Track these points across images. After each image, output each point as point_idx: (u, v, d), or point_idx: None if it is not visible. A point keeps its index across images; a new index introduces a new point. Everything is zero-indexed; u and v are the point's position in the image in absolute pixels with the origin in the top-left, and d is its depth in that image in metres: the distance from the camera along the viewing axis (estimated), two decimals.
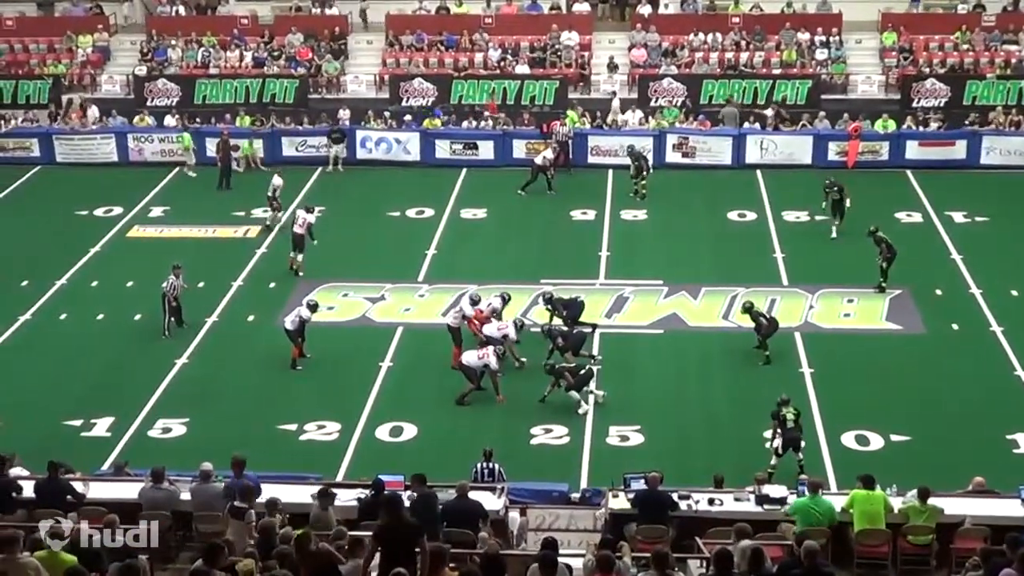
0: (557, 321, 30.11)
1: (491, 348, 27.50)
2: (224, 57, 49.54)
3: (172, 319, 30.84)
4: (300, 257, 34.24)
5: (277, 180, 38.09)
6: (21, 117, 46.27)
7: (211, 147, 43.10)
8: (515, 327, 28.89)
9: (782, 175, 41.73)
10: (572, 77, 47.56)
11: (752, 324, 29.37)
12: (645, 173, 39.69)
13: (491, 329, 28.58)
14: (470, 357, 27.47)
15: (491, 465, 22.30)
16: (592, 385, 27.31)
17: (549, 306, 30.41)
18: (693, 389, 28.12)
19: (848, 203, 36.01)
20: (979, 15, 48.86)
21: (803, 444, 23.90)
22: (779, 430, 23.86)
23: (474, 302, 29.42)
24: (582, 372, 27.06)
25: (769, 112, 44.02)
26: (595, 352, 29.28)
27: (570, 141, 42.71)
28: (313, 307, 29.27)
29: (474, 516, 19.16)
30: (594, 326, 30.32)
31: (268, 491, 20.19)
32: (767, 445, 24.20)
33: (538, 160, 40.56)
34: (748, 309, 29.54)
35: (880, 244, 32.53)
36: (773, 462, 23.74)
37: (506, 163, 42.97)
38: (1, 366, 29.71)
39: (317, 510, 18.83)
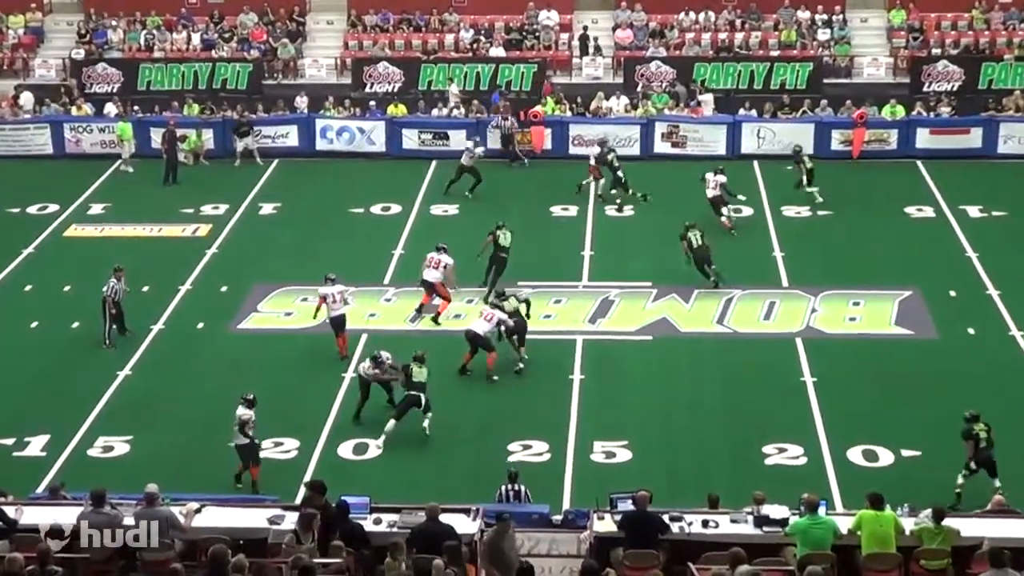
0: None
1: (495, 312, 28.73)
2: (170, 39, 49.43)
3: (114, 327, 30.71)
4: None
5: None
6: None
7: (156, 138, 42.97)
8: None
9: (781, 167, 41.76)
10: (554, 60, 47.71)
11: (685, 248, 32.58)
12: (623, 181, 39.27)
13: (483, 326, 28.89)
14: (481, 326, 28.39)
15: (517, 487, 22.57)
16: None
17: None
18: (685, 401, 28.12)
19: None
20: None
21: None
22: (972, 451, 23.70)
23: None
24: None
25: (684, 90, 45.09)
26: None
27: (516, 134, 42.66)
28: (250, 403, 24.78)
29: (445, 541, 19.08)
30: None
31: (221, 515, 20.19)
32: (967, 467, 23.81)
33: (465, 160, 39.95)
34: (683, 236, 32.59)
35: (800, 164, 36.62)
36: (960, 481, 23.68)
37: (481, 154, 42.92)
38: None
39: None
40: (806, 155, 39.40)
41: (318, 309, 30.07)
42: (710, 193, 37.33)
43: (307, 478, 24.78)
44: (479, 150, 40.18)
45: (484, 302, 30.79)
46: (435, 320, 31.68)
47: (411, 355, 26.80)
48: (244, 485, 24.57)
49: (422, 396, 26.27)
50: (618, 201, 39.00)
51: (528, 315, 29.69)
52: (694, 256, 32.80)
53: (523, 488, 22.70)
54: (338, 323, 29.87)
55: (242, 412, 24.36)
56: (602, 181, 39.29)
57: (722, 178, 37.20)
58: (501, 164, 41.19)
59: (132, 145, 43.17)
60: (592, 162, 39.62)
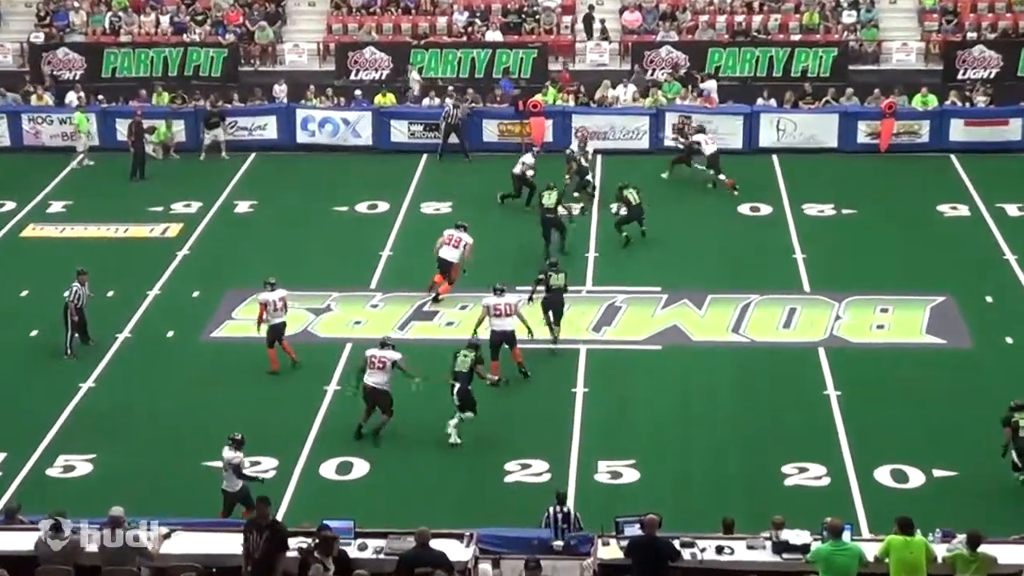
0: None
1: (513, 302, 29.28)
2: (137, 22, 49.46)
3: (76, 335, 30.65)
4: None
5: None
6: None
7: (122, 130, 43.02)
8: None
9: (803, 161, 41.82)
10: (556, 45, 47.73)
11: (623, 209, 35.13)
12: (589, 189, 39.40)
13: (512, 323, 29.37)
14: (511, 323, 29.04)
15: (565, 509, 22.33)
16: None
17: None
18: (697, 416, 28.09)
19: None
20: None
21: None
22: (1011, 439, 24.99)
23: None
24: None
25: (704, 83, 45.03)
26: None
27: (462, 124, 42.70)
28: (238, 443, 23.78)
29: (436, 569, 19.08)
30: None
31: (192, 541, 20.18)
32: (1011, 454, 24.99)
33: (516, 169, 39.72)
34: (619, 197, 35.36)
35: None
36: (1022, 478, 24.82)
37: (474, 148, 42.95)
38: None
39: None
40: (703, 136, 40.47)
41: (260, 318, 29.89)
42: (709, 150, 38.96)
43: (287, 500, 24.88)
44: (530, 159, 39.08)
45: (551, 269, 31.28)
46: (436, 299, 32.52)
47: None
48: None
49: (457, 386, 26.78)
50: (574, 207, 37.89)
51: (565, 288, 30.99)
52: (630, 213, 35.49)
53: (572, 511, 22.44)
54: (279, 332, 29.88)
55: (232, 455, 23.51)
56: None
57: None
58: (495, 158, 41.16)
59: (91, 137, 43.13)
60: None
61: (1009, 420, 24.99)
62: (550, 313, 30.46)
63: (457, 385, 26.68)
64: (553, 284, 30.53)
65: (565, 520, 22.23)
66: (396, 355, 26.89)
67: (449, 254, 32.38)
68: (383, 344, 27.07)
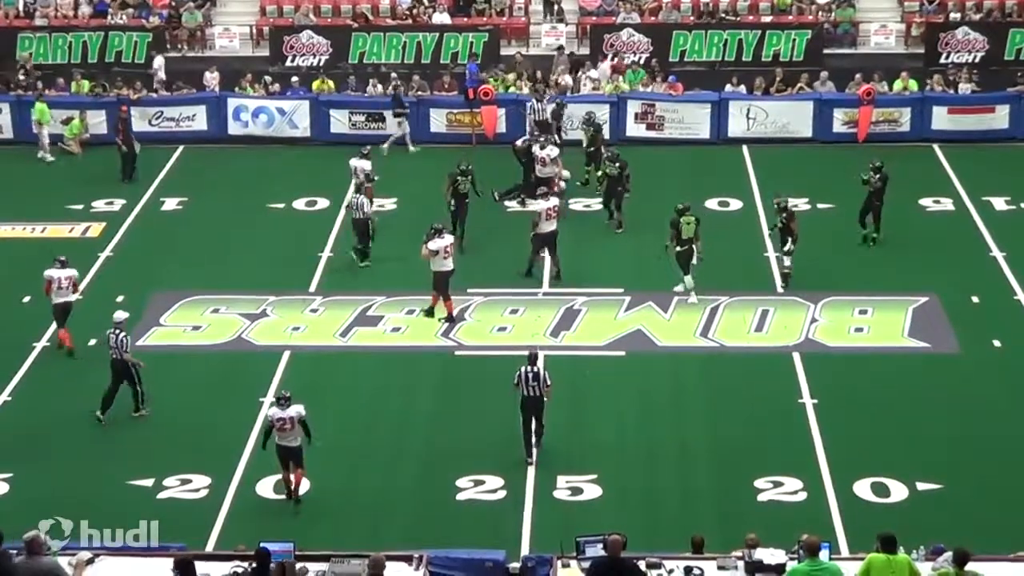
0: None
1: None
2: (54, 4, 49.18)
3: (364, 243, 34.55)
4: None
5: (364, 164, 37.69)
6: None
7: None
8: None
9: (775, 152, 42.00)
10: (509, 28, 47.77)
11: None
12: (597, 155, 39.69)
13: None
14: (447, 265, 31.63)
15: (535, 368, 24.56)
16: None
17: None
18: (664, 427, 28.19)
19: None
20: None
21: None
22: (676, 239, 32.53)
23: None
24: None
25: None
26: None
27: (552, 119, 42.55)
28: (288, 398, 24.92)
29: None
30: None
31: (118, 567, 20.13)
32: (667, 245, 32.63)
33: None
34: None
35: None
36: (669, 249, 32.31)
37: (421, 139, 42.98)
38: None
39: None
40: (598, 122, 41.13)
41: (47, 292, 30.91)
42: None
43: (221, 520, 24.84)
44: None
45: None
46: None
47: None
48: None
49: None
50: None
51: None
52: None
53: (543, 371, 24.52)
54: (62, 311, 30.75)
55: (299, 408, 24.58)
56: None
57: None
58: (444, 150, 41.22)
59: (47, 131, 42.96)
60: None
61: (676, 223, 32.47)
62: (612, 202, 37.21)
63: (694, 251, 32.69)
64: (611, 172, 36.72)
65: (535, 379, 24.98)
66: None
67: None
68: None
